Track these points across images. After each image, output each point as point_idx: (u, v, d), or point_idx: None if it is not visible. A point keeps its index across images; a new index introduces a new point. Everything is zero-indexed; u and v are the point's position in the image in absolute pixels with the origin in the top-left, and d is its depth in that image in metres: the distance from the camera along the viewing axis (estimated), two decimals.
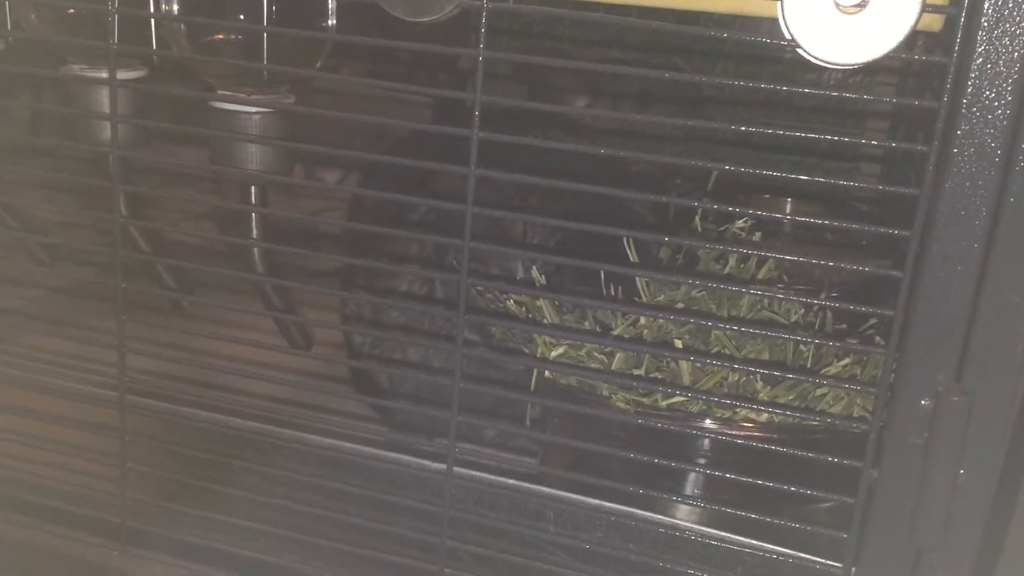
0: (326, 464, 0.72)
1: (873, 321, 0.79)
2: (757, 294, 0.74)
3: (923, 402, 0.52)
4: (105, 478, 0.71)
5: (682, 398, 0.70)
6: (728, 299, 0.78)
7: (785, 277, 0.83)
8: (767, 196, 1.09)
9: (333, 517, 0.67)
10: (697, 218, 0.87)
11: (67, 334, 0.84)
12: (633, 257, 0.81)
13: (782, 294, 0.70)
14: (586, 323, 0.80)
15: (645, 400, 0.71)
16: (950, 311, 0.51)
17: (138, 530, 0.71)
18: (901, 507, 0.54)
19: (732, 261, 0.82)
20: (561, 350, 0.76)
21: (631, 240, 0.80)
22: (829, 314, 0.78)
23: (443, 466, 0.63)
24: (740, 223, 0.83)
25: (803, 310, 0.79)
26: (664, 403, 0.71)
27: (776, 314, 0.78)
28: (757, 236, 0.83)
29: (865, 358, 0.74)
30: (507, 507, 0.69)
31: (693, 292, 0.80)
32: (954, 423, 0.51)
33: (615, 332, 0.77)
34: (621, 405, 0.71)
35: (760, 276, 0.81)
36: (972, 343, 0.51)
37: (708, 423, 0.70)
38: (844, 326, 0.79)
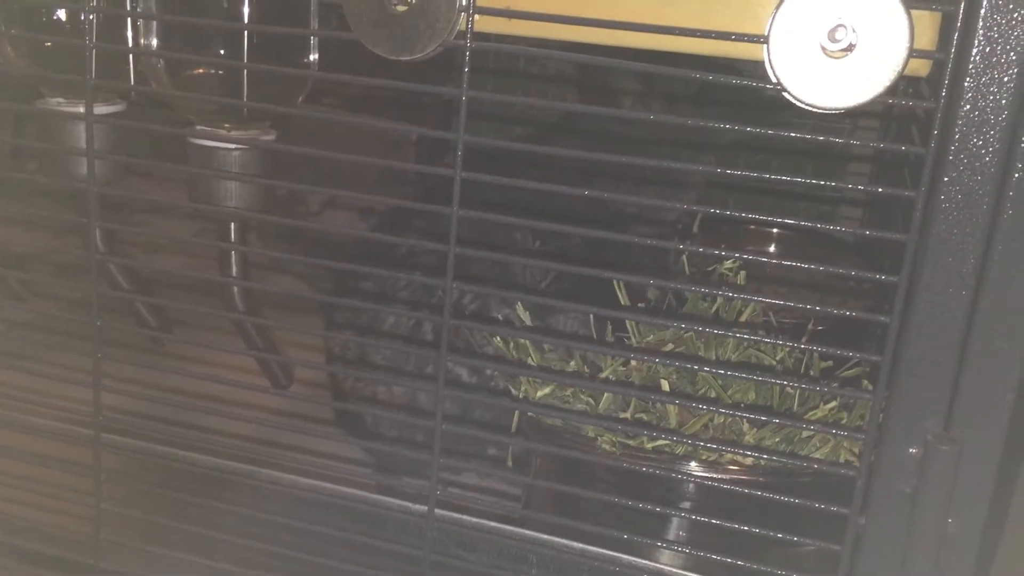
0: (305, 505, 0.71)
1: (856, 360, 0.78)
2: (744, 337, 0.73)
3: (911, 450, 0.51)
4: (79, 517, 0.70)
5: (667, 441, 0.69)
6: (715, 339, 0.78)
7: (771, 313, 0.82)
8: (752, 228, 1.09)
9: (313, 560, 0.66)
10: (684, 259, 0.87)
11: (40, 370, 0.82)
12: (624, 300, 0.81)
13: (768, 338, 0.70)
14: (572, 362, 0.79)
15: (631, 442, 0.70)
16: (938, 358, 0.50)
17: (112, 572, 0.70)
18: (889, 555, 0.53)
19: (719, 300, 0.82)
20: (548, 390, 0.75)
21: (621, 283, 0.79)
22: (816, 354, 0.78)
23: (424, 508, 0.62)
24: (728, 264, 0.83)
25: (788, 349, 0.79)
26: (650, 445, 0.70)
27: (763, 352, 0.78)
28: (742, 277, 0.83)
29: (853, 402, 0.73)
30: (489, 550, 0.67)
31: (681, 333, 0.79)
32: (943, 472, 0.51)
33: (604, 373, 0.77)
34: (607, 447, 0.70)
35: (747, 313, 0.81)
36: (961, 391, 0.50)
37: (694, 465, 0.69)
38: (830, 363, 0.79)
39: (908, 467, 0.52)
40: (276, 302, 0.90)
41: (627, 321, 0.80)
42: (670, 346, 0.79)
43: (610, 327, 0.82)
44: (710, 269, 0.86)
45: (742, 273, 0.83)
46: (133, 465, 0.73)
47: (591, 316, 0.80)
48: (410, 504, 0.68)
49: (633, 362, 0.77)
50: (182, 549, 0.69)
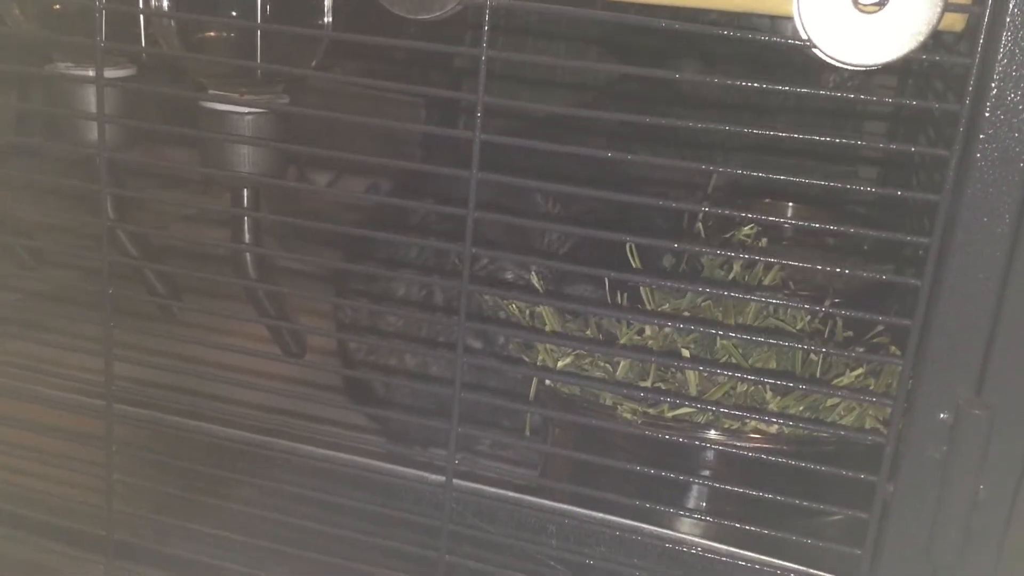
0: (320, 476, 0.70)
1: (880, 328, 0.77)
2: (763, 301, 0.72)
3: (942, 415, 0.50)
4: (91, 489, 0.69)
5: (690, 409, 0.68)
6: (734, 307, 0.77)
7: (791, 283, 0.81)
8: (767, 200, 1.08)
9: (328, 531, 0.65)
10: (700, 224, 0.86)
11: (50, 340, 0.81)
12: (636, 264, 0.80)
13: (790, 301, 0.68)
14: (588, 331, 0.78)
15: (651, 411, 0.69)
16: (970, 321, 0.49)
17: (125, 543, 0.69)
18: (918, 523, 0.52)
19: (737, 267, 0.81)
20: (568, 360, 0.74)
21: (635, 248, 0.78)
22: (840, 322, 0.76)
23: (442, 478, 0.61)
24: (746, 230, 0.81)
25: (809, 317, 0.78)
26: (670, 413, 0.69)
27: (782, 321, 0.77)
28: (763, 242, 0.82)
29: (879, 368, 0.72)
30: (507, 521, 0.67)
31: (698, 300, 0.78)
32: (974, 437, 0.50)
33: (621, 342, 0.76)
34: (627, 416, 0.69)
35: (768, 278, 0.80)
36: (993, 355, 0.49)
37: (714, 434, 0.68)
38: (851, 333, 0.78)
39: (938, 433, 0.51)
40: (291, 268, 0.90)
41: (642, 290, 0.79)
42: (687, 315, 0.77)
43: (624, 296, 0.81)
44: (727, 236, 0.84)
45: (763, 239, 0.82)
46: (145, 436, 0.72)
47: (607, 284, 0.79)
48: (428, 475, 0.67)
49: (648, 331, 0.75)
50: (194, 520, 0.69)
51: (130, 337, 0.66)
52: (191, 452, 0.71)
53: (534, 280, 0.81)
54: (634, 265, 0.80)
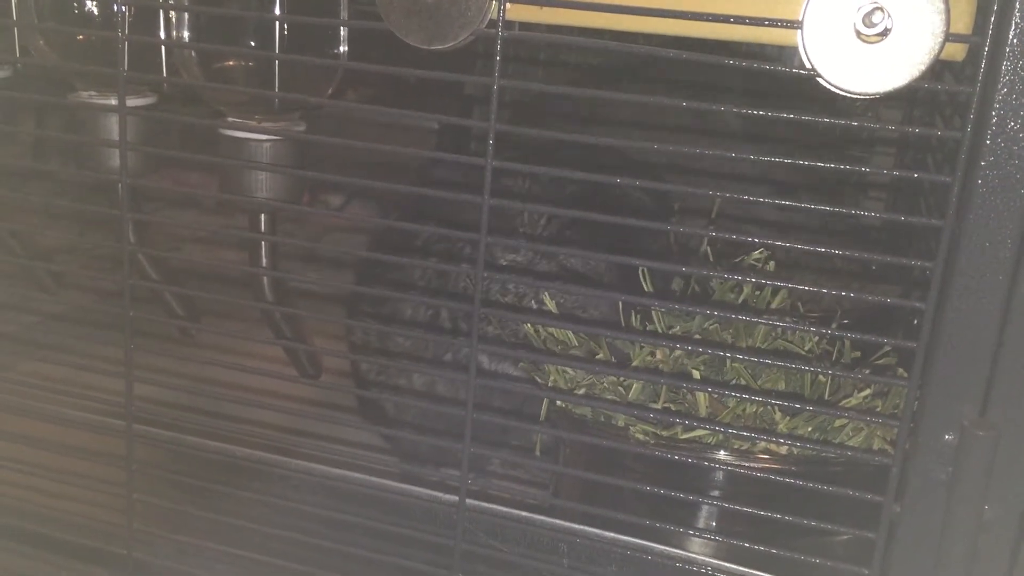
0: (335, 495, 0.71)
1: (887, 349, 0.78)
2: (772, 324, 0.73)
3: (947, 436, 0.51)
4: (111, 508, 0.70)
5: (703, 431, 0.68)
6: (744, 329, 0.78)
7: (800, 305, 0.82)
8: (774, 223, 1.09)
9: (343, 549, 0.66)
10: (707, 249, 0.87)
11: (71, 361, 0.83)
12: (649, 288, 0.81)
13: (799, 324, 0.69)
14: (600, 354, 0.79)
15: (664, 432, 0.70)
16: (975, 343, 0.50)
17: (145, 562, 0.70)
18: (925, 543, 0.53)
19: (747, 290, 0.82)
20: (587, 382, 0.75)
21: (646, 271, 0.79)
22: (847, 343, 0.77)
23: (455, 498, 0.62)
24: (756, 254, 0.82)
25: (817, 339, 0.78)
26: (684, 436, 0.69)
27: (790, 343, 0.78)
28: (771, 266, 0.83)
29: (886, 389, 0.73)
30: (519, 540, 0.67)
31: (707, 324, 0.79)
32: (979, 458, 0.50)
33: (634, 363, 0.77)
34: (640, 437, 0.70)
35: (776, 301, 0.81)
36: (997, 376, 0.50)
37: (724, 455, 0.69)
38: (858, 354, 0.78)
39: (944, 454, 0.51)
40: (305, 291, 0.91)
41: (653, 312, 0.80)
42: (697, 337, 0.78)
43: (638, 318, 0.82)
44: (737, 260, 0.85)
45: (771, 263, 0.83)
46: (164, 455, 0.73)
47: (619, 305, 0.80)
48: (440, 494, 0.68)
49: (659, 355, 0.76)
50: (213, 539, 0.70)
51: (149, 358, 0.67)
52: (209, 471, 0.72)
53: (547, 301, 0.82)
54: (645, 285, 0.81)
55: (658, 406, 0.73)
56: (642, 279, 0.79)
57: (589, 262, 0.84)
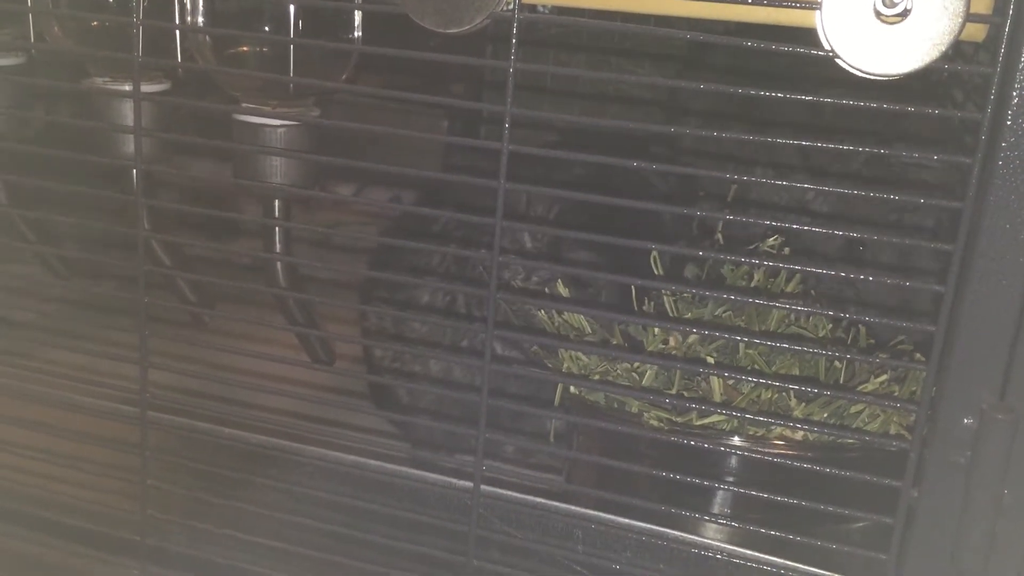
0: (349, 481, 0.71)
1: (902, 337, 0.78)
2: (787, 308, 0.72)
3: (966, 420, 0.51)
4: (125, 495, 0.70)
5: (719, 416, 0.68)
6: (757, 315, 0.77)
7: (812, 292, 0.81)
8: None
9: (357, 535, 0.66)
10: (719, 234, 0.86)
11: (85, 348, 0.83)
12: (660, 272, 0.80)
13: (815, 309, 0.69)
14: (614, 340, 0.79)
15: (679, 419, 0.70)
16: (994, 327, 0.49)
17: (159, 548, 0.70)
18: (943, 528, 0.53)
19: (759, 276, 0.81)
20: (602, 368, 0.75)
21: (658, 257, 0.79)
22: (863, 329, 0.77)
23: (469, 484, 0.62)
24: (771, 240, 0.82)
25: (831, 325, 0.78)
26: (699, 422, 0.69)
27: (804, 328, 0.77)
28: (787, 251, 0.82)
29: (904, 374, 0.73)
30: (534, 526, 0.67)
31: (719, 311, 0.79)
32: (998, 442, 0.50)
33: (648, 349, 0.76)
34: (654, 423, 0.70)
35: (791, 285, 0.80)
36: (1017, 360, 0.50)
37: (739, 440, 0.69)
38: (873, 340, 0.78)
39: (963, 438, 0.51)
40: (319, 277, 0.91)
41: (665, 298, 0.80)
42: (711, 323, 0.78)
43: (652, 304, 0.82)
44: (752, 247, 0.85)
45: (786, 249, 0.82)
46: (178, 442, 0.73)
47: (633, 290, 0.80)
48: (455, 480, 0.68)
49: (672, 341, 0.76)
50: (227, 525, 0.70)
51: (163, 345, 0.67)
52: (223, 458, 0.72)
53: (560, 287, 0.82)
54: (655, 270, 0.80)
55: (672, 392, 0.73)
56: (653, 265, 0.79)
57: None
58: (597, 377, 0.76)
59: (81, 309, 0.99)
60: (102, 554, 0.72)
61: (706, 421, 0.69)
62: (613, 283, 0.84)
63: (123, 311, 0.66)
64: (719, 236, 0.87)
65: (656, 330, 0.77)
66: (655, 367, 0.74)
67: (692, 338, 0.76)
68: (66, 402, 0.74)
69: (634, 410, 0.72)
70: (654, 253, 0.79)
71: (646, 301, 0.81)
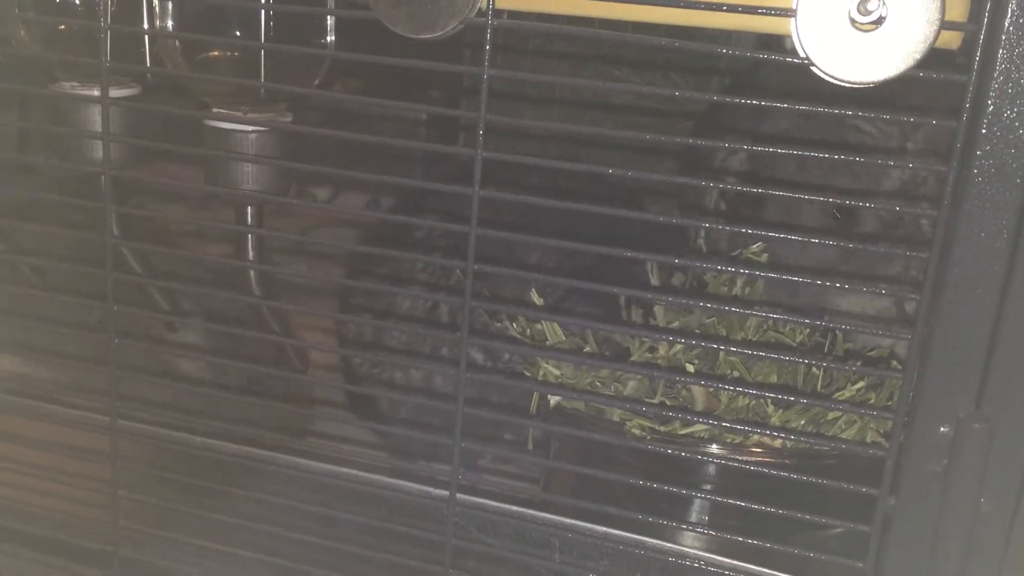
0: (324, 491, 0.70)
1: (882, 338, 0.78)
2: (764, 316, 0.72)
3: (943, 428, 0.51)
4: (96, 505, 0.69)
5: (702, 426, 0.68)
6: (737, 320, 0.77)
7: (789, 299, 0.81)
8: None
9: (332, 546, 0.65)
10: (702, 241, 0.86)
11: (55, 357, 0.82)
12: (655, 282, 0.80)
13: (790, 315, 0.69)
14: (587, 347, 0.79)
15: (662, 428, 0.70)
16: (970, 335, 0.49)
17: (130, 559, 0.70)
18: (920, 536, 0.53)
19: (739, 283, 0.81)
20: (587, 381, 0.74)
21: (654, 266, 0.79)
22: (840, 335, 0.77)
23: (446, 492, 0.62)
24: (754, 248, 0.82)
25: (808, 331, 0.78)
26: (683, 431, 0.69)
27: (782, 334, 0.77)
28: (764, 258, 0.82)
29: (880, 381, 0.73)
30: (511, 535, 0.67)
31: (704, 319, 0.78)
32: (975, 450, 0.50)
33: (633, 358, 0.76)
34: (636, 432, 0.70)
35: (764, 297, 0.80)
36: (993, 368, 0.50)
37: (717, 448, 0.69)
38: (851, 344, 0.78)
39: (939, 446, 0.51)
40: (292, 284, 0.90)
41: (654, 308, 0.80)
42: (697, 332, 0.78)
43: (640, 313, 0.81)
44: (734, 254, 0.85)
45: (765, 256, 0.82)
46: (150, 451, 0.72)
47: (622, 300, 0.80)
48: (431, 489, 0.67)
49: (661, 350, 0.76)
50: (200, 536, 0.69)
51: (134, 354, 0.66)
52: (196, 467, 0.72)
53: (534, 296, 0.82)
54: (652, 279, 0.80)
55: (655, 401, 0.72)
56: (649, 273, 0.79)
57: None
58: (574, 384, 0.75)
59: (52, 319, 0.97)
60: (73, 565, 0.71)
61: (690, 430, 0.69)
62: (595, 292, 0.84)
63: (95, 322, 0.65)
64: (701, 244, 0.87)
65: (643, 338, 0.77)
66: (638, 377, 0.74)
67: (677, 347, 0.76)
68: (36, 412, 0.73)
69: (616, 419, 0.72)
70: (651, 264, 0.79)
71: (633, 309, 0.81)
